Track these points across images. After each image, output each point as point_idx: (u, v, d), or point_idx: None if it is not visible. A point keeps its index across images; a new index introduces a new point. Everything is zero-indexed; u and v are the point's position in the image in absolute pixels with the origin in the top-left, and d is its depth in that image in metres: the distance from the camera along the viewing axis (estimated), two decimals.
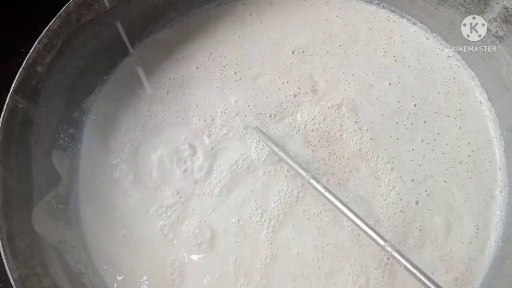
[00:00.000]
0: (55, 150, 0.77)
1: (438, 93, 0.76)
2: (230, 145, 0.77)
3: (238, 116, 0.78)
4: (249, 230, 0.72)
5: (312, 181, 0.69)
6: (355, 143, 0.75)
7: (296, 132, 0.77)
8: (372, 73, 0.79)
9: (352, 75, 0.79)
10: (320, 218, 0.72)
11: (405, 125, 0.75)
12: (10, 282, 0.63)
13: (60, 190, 0.77)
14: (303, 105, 0.78)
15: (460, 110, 0.75)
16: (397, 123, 0.75)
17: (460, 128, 0.74)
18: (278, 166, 0.75)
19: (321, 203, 0.72)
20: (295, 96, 0.79)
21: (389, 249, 0.62)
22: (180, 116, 0.80)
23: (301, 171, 0.70)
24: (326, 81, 0.79)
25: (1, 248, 0.64)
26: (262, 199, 0.74)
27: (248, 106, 0.79)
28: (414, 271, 0.60)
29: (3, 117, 0.67)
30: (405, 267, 0.61)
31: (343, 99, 0.78)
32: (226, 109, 0.79)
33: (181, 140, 0.79)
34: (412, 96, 0.77)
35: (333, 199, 0.67)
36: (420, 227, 0.71)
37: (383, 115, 0.76)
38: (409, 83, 0.78)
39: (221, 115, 0.79)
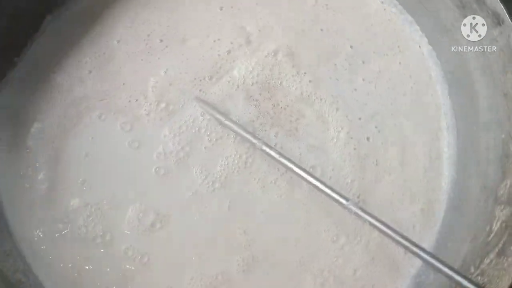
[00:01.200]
0: None
1: (375, 34, 0.74)
2: (172, 120, 0.71)
3: (172, 86, 0.72)
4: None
5: (264, 148, 0.66)
6: (296, 88, 0.72)
7: (236, 89, 0.72)
8: (303, 20, 0.76)
9: (284, 23, 0.76)
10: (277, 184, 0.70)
11: (343, 66, 0.73)
12: None
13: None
14: (239, 59, 0.73)
15: (398, 47, 0.74)
16: (335, 64, 0.73)
17: (400, 63, 0.73)
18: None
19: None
20: (229, 52, 0.74)
21: (352, 207, 0.61)
22: (105, 99, 0.72)
23: (251, 138, 0.67)
24: (259, 30, 0.75)
25: None
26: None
27: (180, 73, 0.73)
28: (380, 225, 0.60)
29: None
30: (370, 223, 0.61)
31: (278, 45, 0.74)
32: (157, 82, 0.73)
33: (117, 129, 0.72)
34: (348, 39, 0.74)
35: (289, 164, 0.65)
36: (376, 161, 0.70)
37: (319, 56, 0.73)
38: (343, 27, 0.75)
39: (153, 90, 0.73)
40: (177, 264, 0.68)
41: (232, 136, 0.70)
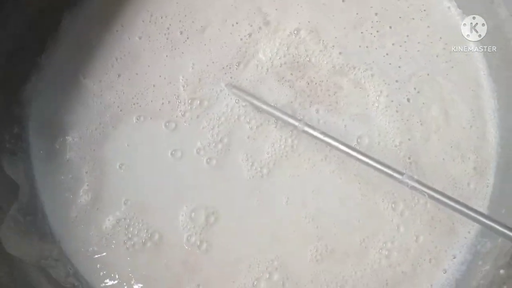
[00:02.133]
0: (3, 155, 0.66)
1: (398, 0, 0.74)
2: (209, 115, 0.70)
3: (202, 81, 0.71)
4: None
5: (306, 129, 0.65)
6: (326, 62, 0.71)
7: (266, 73, 0.71)
8: None
9: None
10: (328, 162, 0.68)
11: (371, 33, 0.72)
12: None
13: (23, 200, 0.67)
14: (262, 41, 0.72)
15: (425, 11, 0.73)
16: (361, 32, 0.72)
17: (428, 26, 0.72)
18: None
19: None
20: (250, 35, 0.73)
21: (408, 181, 0.60)
22: (138, 103, 0.71)
23: (292, 120, 0.65)
24: (276, 9, 0.73)
25: None
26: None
27: (207, 65, 0.72)
28: (438, 196, 0.59)
29: None
30: (429, 195, 0.60)
31: (299, 23, 0.73)
32: (187, 79, 0.71)
33: (157, 131, 0.70)
34: (371, 7, 0.73)
35: (334, 142, 0.64)
36: (420, 121, 0.69)
37: (345, 28, 0.73)
38: None
39: (184, 89, 0.71)
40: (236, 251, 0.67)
41: (273, 121, 0.69)
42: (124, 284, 0.67)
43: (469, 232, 0.68)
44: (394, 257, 0.67)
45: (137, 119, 0.70)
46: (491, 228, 0.57)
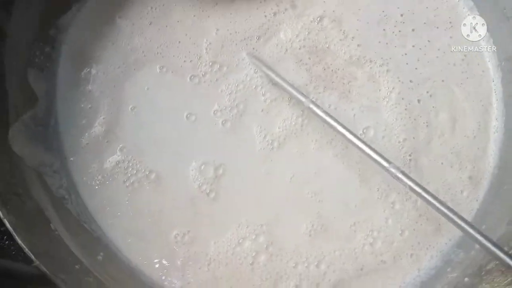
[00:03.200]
0: (31, 69, 0.69)
1: (427, 7, 0.77)
2: (228, 80, 0.73)
3: (224, 47, 0.75)
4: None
5: (311, 106, 0.67)
6: (344, 52, 0.74)
7: (285, 53, 0.74)
8: None
9: None
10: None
11: (393, 32, 0.75)
12: None
13: (38, 112, 0.69)
14: (285, 22, 0.75)
15: (450, 23, 0.76)
16: (384, 30, 0.75)
17: (451, 37, 0.75)
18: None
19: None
20: (275, 14, 0.76)
21: (393, 170, 0.62)
22: (161, 54, 0.74)
23: (299, 96, 0.68)
24: None
25: None
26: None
27: (230, 34, 0.75)
28: (419, 190, 0.61)
29: None
30: (410, 188, 0.62)
31: (324, 11, 0.76)
32: (210, 43, 0.75)
33: (176, 82, 0.74)
34: (398, 7, 0.76)
35: (333, 122, 0.66)
36: (427, 123, 0.71)
37: (368, 22, 0.75)
38: None
39: (207, 52, 0.75)
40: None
41: (287, 98, 0.72)
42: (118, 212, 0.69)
43: (450, 239, 0.69)
44: (377, 245, 0.68)
45: (160, 68, 0.73)
46: (469, 234, 0.58)
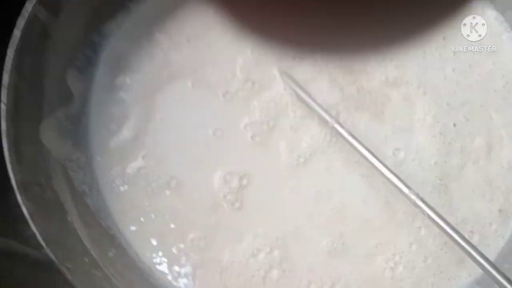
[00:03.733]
0: (70, 70, 0.72)
1: (471, 32, 0.73)
2: (260, 97, 0.72)
3: (257, 66, 0.75)
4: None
5: (336, 126, 0.66)
6: (381, 73, 0.72)
7: (319, 72, 0.73)
8: None
9: None
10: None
11: (433, 55, 0.73)
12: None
13: (72, 109, 0.71)
14: None
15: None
16: (424, 52, 0.73)
17: (493, 63, 0.72)
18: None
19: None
20: None
21: (413, 197, 0.60)
22: (195, 70, 0.75)
23: (325, 115, 0.67)
24: None
25: (6, 151, 0.59)
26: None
27: (266, 53, 0.75)
28: (439, 221, 0.58)
29: (22, 23, 0.63)
30: (428, 216, 0.58)
31: None
32: (245, 61, 0.75)
33: (207, 98, 0.74)
34: (441, 30, 0.75)
35: (357, 144, 0.64)
36: (461, 147, 0.68)
37: (407, 44, 0.74)
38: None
39: (240, 70, 0.75)
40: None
41: (316, 116, 0.70)
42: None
43: (470, 275, 0.65)
44: (399, 271, 0.64)
45: (192, 83, 0.74)
46: (488, 272, 0.54)
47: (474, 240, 0.65)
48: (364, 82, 0.72)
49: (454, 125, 0.69)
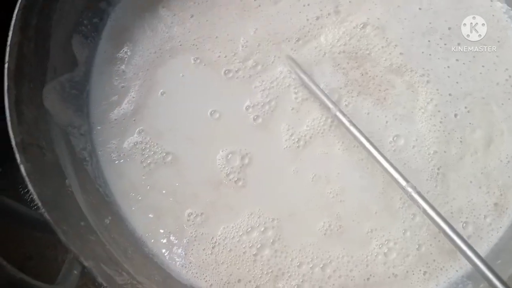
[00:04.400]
0: (76, 35, 0.71)
1: (476, 23, 0.73)
2: (261, 77, 0.71)
3: (260, 46, 0.73)
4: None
5: (338, 114, 0.64)
6: (385, 59, 0.71)
7: (323, 56, 0.72)
8: None
9: None
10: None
11: (438, 44, 0.71)
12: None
13: (75, 76, 0.70)
14: (327, 27, 0.73)
15: (499, 42, 0.72)
16: (429, 41, 0.71)
17: (497, 56, 0.71)
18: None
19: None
20: (317, 18, 0.73)
21: (410, 189, 0.58)
22: (197, 46, 0.74)
23: (327, 101, 0.65)
24: (350, 1, 0.74)
25: (7, 110, 0.58)
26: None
27: (269, 34, 0.73)
28: (435, 216, 0.56)
29: None
30: (424, 212, 0.57)
31: (368, 18, 0.73)
32: (247, 41, 0.74)
33: (209, 74, 0.73)
34: (446, 20, 0.73)
35: (357, 133, 0.63)
36: (461, 138, 0.67)
37: (413, 32, 0.72)
38: (442, 9, 0.73)
39: (242, 49, 0.73)
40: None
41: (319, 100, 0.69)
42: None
43: (461, 267, 0.64)
44: (391, 257, 0.63)
45: (194, 60, 0.72)
46: (478, 269, 0.53)
47: (468, 231, 0.64)
48: (368, 67, 0.71)
49: (455, 115, 0.68)
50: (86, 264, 0.53)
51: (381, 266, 0.63)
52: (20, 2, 0.60)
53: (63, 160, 0.63)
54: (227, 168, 0.67)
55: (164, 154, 0.68)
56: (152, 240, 0.65)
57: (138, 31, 0.74)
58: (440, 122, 0.67)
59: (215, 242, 0.64)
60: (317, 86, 0.67)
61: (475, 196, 0.65)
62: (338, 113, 0.64)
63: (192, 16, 0.75)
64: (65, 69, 0.68)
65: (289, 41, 0.72)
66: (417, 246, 0.63)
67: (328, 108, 0.66)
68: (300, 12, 0.74)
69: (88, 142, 0.68)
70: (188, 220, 0.66)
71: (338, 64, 0.71)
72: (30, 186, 0.55)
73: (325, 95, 0.66)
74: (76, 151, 0.67)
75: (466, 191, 0.65)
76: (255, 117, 0.69)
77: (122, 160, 0.68)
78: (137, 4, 0.76)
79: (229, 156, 0.68)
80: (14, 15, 0.59)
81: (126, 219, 0.66)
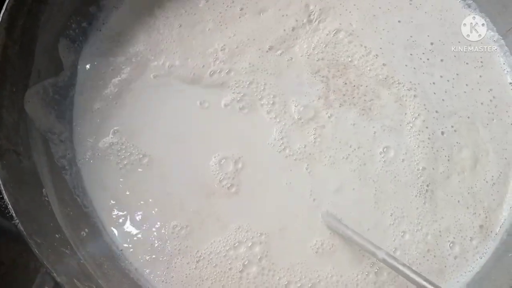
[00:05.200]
0: (63, 39, 0.67)
1: (459, 42, 0.72)
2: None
3: (238, 48, 0.69)
4: None
5: (385, 257, 0.55)
6: (370, 69, 0.68)
7: (299, 64, 0.69)
8: (379, 8, 0.71)
9: (354, 4, 0.71)
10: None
11: (421, 58, 0.69)
12: None
13: (60, 81, 0.66)
14: (301, 37, 0.70)
15: (481, 62, 0.71)
16: (411, 54, 0.69)
17: (480, 76, 0.70)
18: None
19: None
20: (293, 29, 0.71)
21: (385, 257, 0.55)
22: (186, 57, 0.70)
23: (372, 248, 0.57)
24: (320, 9, 0.71)
25: None
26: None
27: (248, 39, 0.70)
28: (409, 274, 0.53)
29: None
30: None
31: (340, 24, 0.70)
32: (224, 47, 0.70)
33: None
34: (428, 36, 0.71)
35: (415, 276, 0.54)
36: (449, 157, 0.65)
37: (393, 44, 0.70)
38: (424, 24, 0.71)
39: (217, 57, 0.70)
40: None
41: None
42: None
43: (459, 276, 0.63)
44: (383, 276, 0.61)
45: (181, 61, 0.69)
46: None
47: (455, 251, 0.63)
48: (352, 76, 0.68)
49: (442, 133, 0.67)
50: (58, 279, 0.49)
51: (371, 286, 0.59)
52: (7, 3, 0.57)
53: (41, 168, 0.59)
54: (222, 175, 0.64)
55: (146, 159, 0.65)
56: (131, 253, 0.61)
57: (127, 37, 0.71)
58: (428, 138, 0.66)
59: (200, 256, 0.60)
60: (361, 236, 0.59)
61: (462, 216, 0.64)
62: (386, 257, 0.56)
63: (180, 26, 0.72)
64: (50, 73, 0.64)
65: (263, 50, 0.69)
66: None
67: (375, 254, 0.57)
68: (279, 22, 0.71)
69: (68, 150, 0.64)
70: (172, 233, 0.62)
71: (317, 72, 0.68)
72: (4, 195, 0.50)
73: (371, 243, 0.58)
74: (55, 159, 0.62)
75: (454, 210, 0.64)
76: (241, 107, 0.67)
77: (103, 168, 0.64)
78: (128, 11, 0.73)
79: (223, 161, 0.64)
80: (0, 16, 0.55)
81: (104, 231, 0.62)
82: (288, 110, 0.66)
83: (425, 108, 0.67)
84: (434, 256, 0.61)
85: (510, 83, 0.69)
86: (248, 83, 0.67)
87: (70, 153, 0.64)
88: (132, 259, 0.60)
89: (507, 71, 0.71)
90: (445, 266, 0.61)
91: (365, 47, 0.69)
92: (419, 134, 0.66)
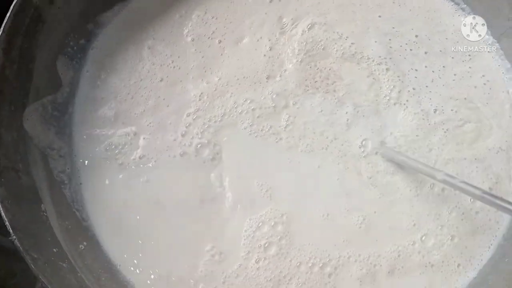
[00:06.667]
0: (61, 56, 0.66)
1: (446, 38, 0.67)
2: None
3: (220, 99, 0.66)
4: None
5: (446, 178, 0.55)
6: (336, 50, 0.65)
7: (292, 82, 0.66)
8: (360, 5, 0.68)
9: (328, 8, 0.68)
10: None
11: (401, 46, 0.65)
12: None
13: (59, 97, 0.66)
14: (284, 52, 0.66)
15: (469, 55, 0.67)
16: (389, 39, 0.66)
17: (470, 68, 0.66)
18: None
19: None
20: (271, 49, 0.67)
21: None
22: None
23: (431, 171, 0.57)
24: (292, 19, 0.67)
25: None
26: None
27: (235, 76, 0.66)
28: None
29: (14, 5, 0.58)
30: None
31: (312, 19, 0.67)
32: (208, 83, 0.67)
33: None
34: (412, 29, 0.66)
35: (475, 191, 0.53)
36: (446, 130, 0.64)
37: (368, 28, 0.66)
38: (408, 19, 0.67)
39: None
40: None
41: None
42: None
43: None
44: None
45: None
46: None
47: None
48: (322, 63, 0.65)
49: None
50: None
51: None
52: (5, 24, 0.56)
53: (40, 183, 0.59)
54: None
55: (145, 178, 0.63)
56: (129, 267, 0.61)
57: (122, 56, 0.69)
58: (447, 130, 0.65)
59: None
60: (417, 161, 0.60)
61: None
62: (446, 177, 0.55)
63: (169, 56, 0.69)
64: (49, 90, 0.64)
65: (259, 82, 0.66)
66: (449, 237, 0.61)
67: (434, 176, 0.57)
68: (256, 49, 0.67)
69: (68, 164, 0.64)
70: (176, 257, 0.61)
71: (305, 80, 0.66)
72: (2, 212, 0.51)
73: (427, 166, 0.59)
74: (54, 174, 0.62)
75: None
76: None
77: (104, 182, 0.64)
78: (125, 29, 0.71)
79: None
80: None
81: (103, 244, 0.61)
82: None
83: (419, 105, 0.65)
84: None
85: (480, 35, 0.66)
86: None
87: (70, 168, 0.63)
88: (129, 272, 0.60)
89: (505, 75, 0.67)
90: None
91: (337, 33, 0.66)
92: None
